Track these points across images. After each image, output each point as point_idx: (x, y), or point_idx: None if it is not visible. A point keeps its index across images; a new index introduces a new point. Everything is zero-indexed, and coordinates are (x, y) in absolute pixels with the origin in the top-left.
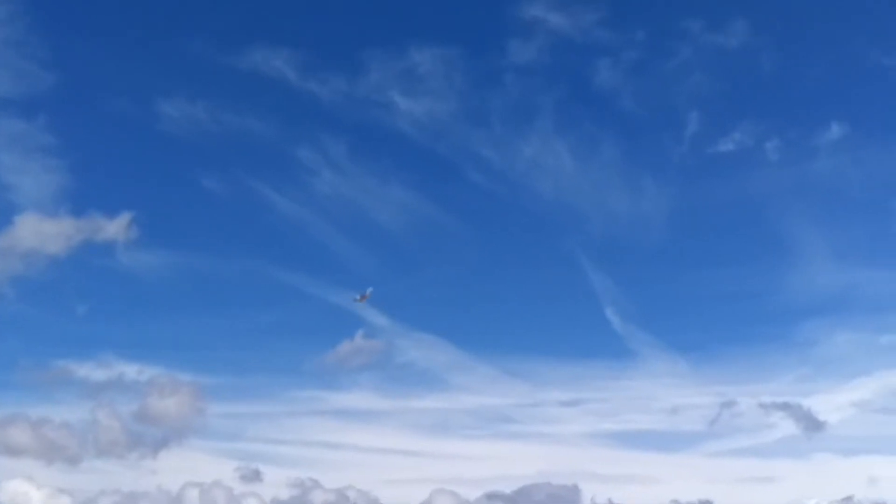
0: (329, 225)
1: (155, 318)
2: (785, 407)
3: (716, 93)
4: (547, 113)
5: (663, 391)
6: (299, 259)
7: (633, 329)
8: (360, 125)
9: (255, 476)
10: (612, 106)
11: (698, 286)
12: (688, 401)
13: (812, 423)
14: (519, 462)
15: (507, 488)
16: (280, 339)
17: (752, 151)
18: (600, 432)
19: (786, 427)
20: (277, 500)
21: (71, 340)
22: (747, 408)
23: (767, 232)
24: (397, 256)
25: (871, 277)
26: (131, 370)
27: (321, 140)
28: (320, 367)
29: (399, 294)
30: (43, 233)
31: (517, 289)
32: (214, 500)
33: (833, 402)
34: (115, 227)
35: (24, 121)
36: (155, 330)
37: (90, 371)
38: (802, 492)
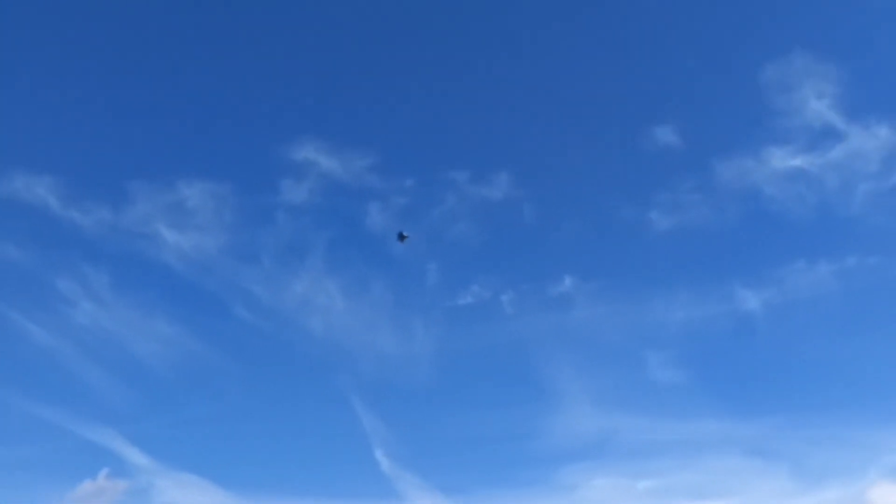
0: (87, 357)
1: None
2: None
3: (474, 243)
4: (318, 252)
5: None
6: (55, 392)
7: (400, 471)
8: (124, 257)
9: None
10: (382, 248)
11: (464, 429)
12: None
13: None
14: None
15: None
16: (33, 475)
17: (492, 301)
18: None
19: None
20: None
21: None
22: None
23: (530, 378)
24: (159, 392)
25: (628, 424)
26: None
27: (82, 270)
28: None
29: (160, 432)
30: None
31: (286, 428)
32: None
33: None
34: None
35: None
36: None
37: None
38: None
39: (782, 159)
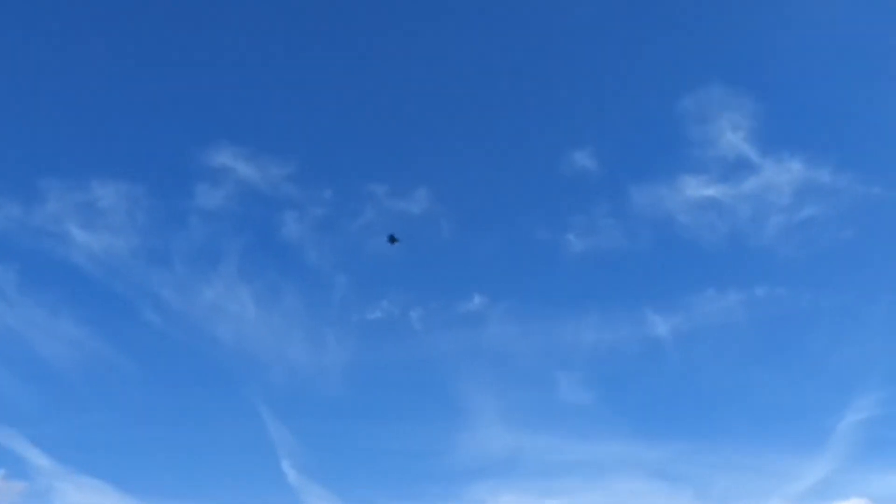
0: None
1: None
2: None
3: (389, 257)
4: (231, 259)
5: None
6: None
7: (307, 482)
8: (33, 255)
9: None
10: (297, 258)
11: (373, 443)
12: None
13: None
14: None
15: None
16: None
17: (401, 316)
18: None
19: None
20: None
21: None
22: None
23: (440, 394)
24: (63, 394)
25: (536, 443)
26: None
27: None
28: None
29: (63, 433)
30: None
31: (191, 435)
32: None
33: None
34: None
35: None
36: None
37: None
38: None
39: (696, 188)
